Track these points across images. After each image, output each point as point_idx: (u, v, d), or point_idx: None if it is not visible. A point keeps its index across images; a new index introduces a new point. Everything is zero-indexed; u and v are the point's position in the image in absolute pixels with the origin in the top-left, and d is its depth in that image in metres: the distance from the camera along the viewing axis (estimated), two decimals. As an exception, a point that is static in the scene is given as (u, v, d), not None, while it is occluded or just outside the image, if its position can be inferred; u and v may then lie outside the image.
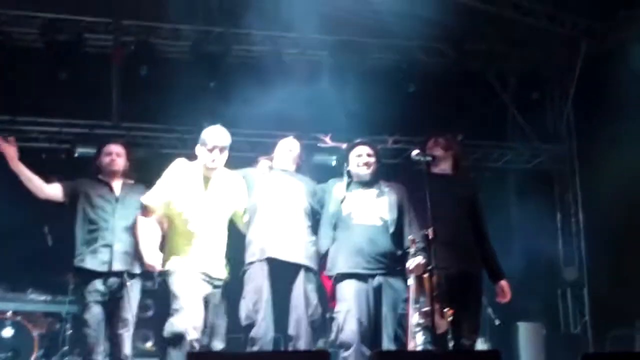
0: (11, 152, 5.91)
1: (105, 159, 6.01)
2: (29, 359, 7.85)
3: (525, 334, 9.11)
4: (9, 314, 7.98)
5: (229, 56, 9.90)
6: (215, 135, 5.61)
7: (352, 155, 5.91)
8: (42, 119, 9.64)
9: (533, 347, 9.03)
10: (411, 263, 5.40)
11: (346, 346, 5.39)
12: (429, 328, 5.15)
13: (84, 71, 9.38)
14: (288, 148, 5.98)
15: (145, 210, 5.57)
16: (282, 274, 5.52)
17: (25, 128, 9.62)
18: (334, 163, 10.03)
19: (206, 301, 5.45)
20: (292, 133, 9.35)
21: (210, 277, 5.49)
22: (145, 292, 8.35)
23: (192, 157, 5.76)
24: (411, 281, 5.39)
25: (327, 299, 5.76)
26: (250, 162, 6.18)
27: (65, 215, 6.16)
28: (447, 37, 10.46)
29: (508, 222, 10.03)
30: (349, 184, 5.83)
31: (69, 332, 7.90)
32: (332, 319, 5.71)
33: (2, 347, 7.79)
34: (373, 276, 5.55)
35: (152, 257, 5.42)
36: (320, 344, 7.14)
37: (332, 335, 5.56)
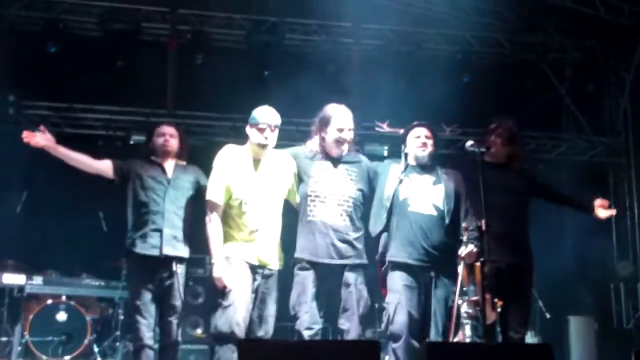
0: (46, 141, 5.83)
1: (159, 140, 5.94)
2: (81, 343, 8.01)
3: (577, 328, 8.99)
4: (63, 298, 8.15)
5: (283, 45, 9.93)
6: (267, 114, 5.58)
7: (410, 136, 5.78)
8: (99, 106, 9.80)
9: (584, 341, 8.91)
10: (463, 250, 5.35)
11: (395, 338, 5.37)
12: (478, 318, 5.12)
13: (141, 60, 9.54)
14: (336, 126, 5.72)
15: (212, 206, 5.49)
16: (331, 270, 5.48)
17: (82, 115, 9.82)
18: (385, 153, 10.02)
19: (255, 291, 5.44)
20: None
21: (262, 265, 5.48)
22: (196, 279, 8.52)
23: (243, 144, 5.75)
24: (461, 269, 5.35)
25: (380, 283, 5.72)
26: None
27: (120, 200, 6.20)
28: (503, 27, 10.36)
29: (560, 215, 9.88)
30: (405, 167, 5.71)
31: (121, 317, 8.06)
32: (382, 309, 5.68)
33: (56, 331, 7.95)
34: (425, 269, 5.49)
35: (221, 270, 5.36)
36: (369, 334, 7.14)
37: (382, 326, 5.54)
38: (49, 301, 8.08)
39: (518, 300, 5.67)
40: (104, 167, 5.87)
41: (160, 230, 5.68)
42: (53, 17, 9.51)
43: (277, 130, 5.60)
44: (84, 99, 9.76)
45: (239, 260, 5.42)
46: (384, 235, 5.63)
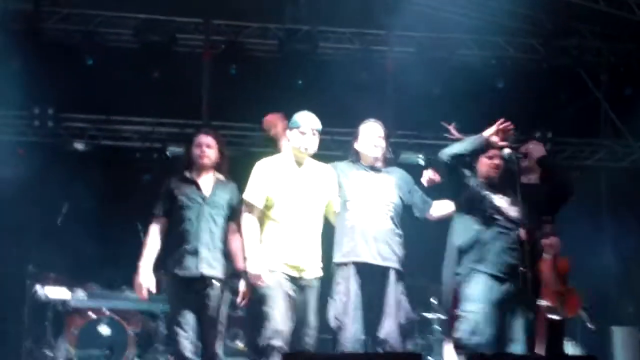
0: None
1: (195, 151, 5.79)
2: (124, 356, 8.05)
3: (621, 338, 8.84)
4: (106, 312, 8.20)
5: (317, 54, 9.96)
6: (309, 118, 5.56)
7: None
8: (136, 118, 9.89)
9: (629, 352, 8.76)
10: (549, 239, 5.34)
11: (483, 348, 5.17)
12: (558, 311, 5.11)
13: (176, 70, 9.60)
14: (368, 132, 5.70)
15: (249, 207, 5.46)
16: (372, 276, 5.46)
17: (119, 127, 9.93)
18: (421, 162, 9.99)
19: (295, 301, 5.36)
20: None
21: (301, 276, 5.43)
22: (236, 292, 8.51)
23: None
24: (547, 256, 5.31)
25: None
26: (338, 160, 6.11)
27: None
28: (537, 32, 10.29)
29: (600, 222, 9.81)
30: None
31: (163, 330, 8.08)
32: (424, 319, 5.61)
33: (98, 344, 7.99)
34: (503, 281, 5.30)
35: (257, 267, 5.32)
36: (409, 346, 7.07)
37: (460, 334, 5.27)
38: (92, 315, 8.13)
39: None
40: (164, 224, 5.79)
41: (195, 251, 5.60)
42: (89, 30, 9.63)
43: (318, 135, 5.57)
44: (120, 111, 9.88)
45: (277, 270, 5.36)
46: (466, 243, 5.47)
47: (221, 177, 5.88)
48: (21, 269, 8.41)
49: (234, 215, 5.77)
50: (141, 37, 9.64)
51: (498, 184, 5.48)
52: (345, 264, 5.44)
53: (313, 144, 5.54)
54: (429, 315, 8.51)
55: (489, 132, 5.39)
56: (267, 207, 5.48)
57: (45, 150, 9.50)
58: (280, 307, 5.28)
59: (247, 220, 5.46)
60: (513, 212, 5.37)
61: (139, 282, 5.63)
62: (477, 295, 5.19)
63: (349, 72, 9.80)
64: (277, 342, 5.19)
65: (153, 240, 5.73)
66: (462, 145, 5.43)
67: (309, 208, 5.51)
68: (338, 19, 9.97)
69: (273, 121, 5.96)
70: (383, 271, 5.46)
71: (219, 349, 5.70)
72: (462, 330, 5.17)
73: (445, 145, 5.68)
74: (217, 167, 5.90)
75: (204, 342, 5.66)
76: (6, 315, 8.69)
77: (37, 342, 8.42)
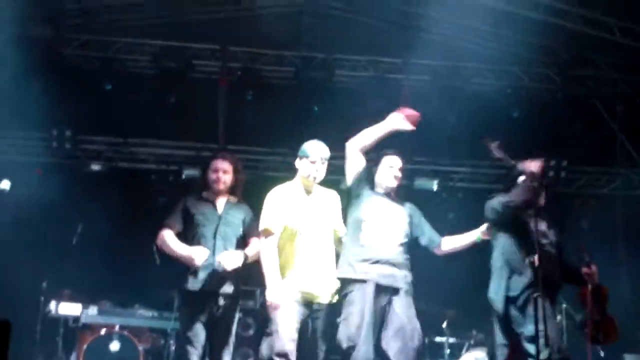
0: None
1: (212, 176, 5.93)
2: (133, 373, 8.09)
3: (633, 365, 8.79)
4: (117, 328, 8.24)
5: (332, 81, 10.04)
6: (317, 147, 5.64)
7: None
8: (152, 141, 9.98)
9: (641, 379, 8.70)
10: (590, 268, 5.39)
11: None
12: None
13: (192, 96, 9.70)
14: (389, 164, 5.85)
15: (267, 234, 5.47)
16: (384, 297, 5.47)
17: (136, 150, 10.03)
18: (435, 188, 10.01)
19: (305, 324, 5.40)
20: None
21: (316, 302, 5.46)
22: (246, 311, 8.55)
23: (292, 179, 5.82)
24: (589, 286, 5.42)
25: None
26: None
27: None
28: (552, 62, 10.33)
29: (615, 250, 9.77)
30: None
31: (173, 347, 8.11)
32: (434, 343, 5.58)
33: (109, 360, 8.07)
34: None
35: (277, 297, 5.31)
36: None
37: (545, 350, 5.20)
38: (103, 331, 8.20)
39: None
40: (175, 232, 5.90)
41: (210, 266, 5.67)
42: (108, 56, 9.76)
43: (326, 164, 5.66)
44: (137, 134, 9.99)
45: (290, 294, 5.37)
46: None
47: (234, 199, 5.98)
48: (36, 286, 8.48)
49: (248, 234, 5.89)
50: (159, 63, 9.77)
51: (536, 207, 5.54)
52: (361, 283, 5.42)
53: (321, 172, 5.63)
54: (439, 339, 8.55)
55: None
56: (281, 236, 5.51)
57: (62, 171, 9.59)
58: (289, 328, 5.29)
59: (266, 248, 5.46)
60: (552, 235, 5.55)
61: (189, 255, 5.62)
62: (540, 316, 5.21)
63: (364, 99, 9.85)
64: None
65: (174, 240, 5.79)
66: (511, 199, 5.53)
67: (321, 234, 5.57)
68: (354, 46, 10.04)
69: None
70: (394, 292, 5.48)
71: (229, 366, 5.73)
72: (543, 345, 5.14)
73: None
74: (232, 191, 6.01)
75: (214, 360, 5.69)
76: (19, 331, 8.70)
77: (48, 358, 8.47)
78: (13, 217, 8.24)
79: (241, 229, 5.90)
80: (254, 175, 9.67)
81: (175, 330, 7.85)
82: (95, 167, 10.00)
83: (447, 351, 8.51)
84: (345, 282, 5.48)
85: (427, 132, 9.26)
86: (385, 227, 5.61)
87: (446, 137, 9.62)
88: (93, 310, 8.00)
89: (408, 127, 5.75)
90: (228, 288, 5.70)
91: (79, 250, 8.72)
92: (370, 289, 5.40)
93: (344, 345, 5.31)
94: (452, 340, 8.60)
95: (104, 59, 9.77)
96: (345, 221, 5.74)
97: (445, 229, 6.06)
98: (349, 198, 5.74)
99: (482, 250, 5.93)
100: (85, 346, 7.99)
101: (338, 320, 5.43)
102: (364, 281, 5.41)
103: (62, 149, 9.74)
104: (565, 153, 10.29)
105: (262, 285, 5.50)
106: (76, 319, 7.95)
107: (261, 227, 5.51)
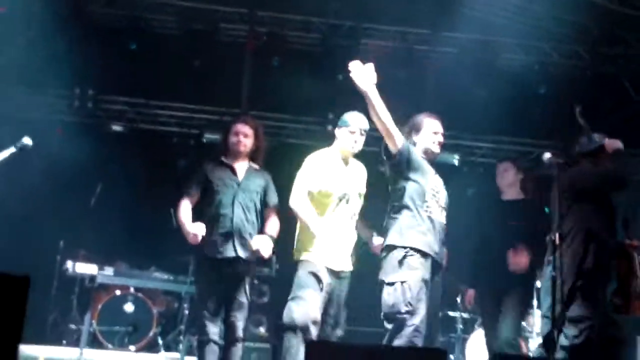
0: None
1: (232, 139, 5.91)
2: (147, 335, 8.16)
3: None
4: (132, 289, 8.29)
5: (358, 50, 9.91)
6: (358, 118, 5.64)
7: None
8: (174, 103, 9.95)
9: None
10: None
11: None
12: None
13: (217, 59, 9.62)
14: (433, 130, 5.62)
15: (302, 193, 5.49)
16: (433, 270, 5.37)
17: (158, 112, 10.00)
18: (456, 162, 9.93)
19: (331, 291, 5.43)
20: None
21: (341, 269, 5.50)
22: (261, 278, 8.57)
23: (318, 148, 5.78)
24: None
25: None
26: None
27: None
28: (582, 39, 10.15)
29: None
30: None
31: (186, 311, 8.16)
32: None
33: (123, 321, 8.15)
34: None
35: (327, 236, 5.36)
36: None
37: None
38: (118, 292, 8.26)
39: None
40: (194, 203, 5.91)
41: (228, 233, 5.71)
42: (135, 15, 9.65)
43: (365, 135, 5.66)
44: (160, 96, 9.95)
45: (318, 263, 5.41)
46: None
47: (256, 165, 5.95)
48: (53, 245, 8.54)
49: (267, 202, 5.93)
50: (185, 25, 9.67)
51: None
52: (427, 255, 5.30)
53: (360, 143, 5.65)
54: (453, 314, 8.58)
55: None
56: (315, 202, 5.54)
57: (83, 131, 9.58)
58: (317, 295, 5.33)
59: (302, 202, 5.48)
60: None
61: (188, 231, 5.65)
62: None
63: (389, 69, 9.74)
64: (312, 326, 5.24)
65: (186, 213, 5.81)
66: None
67: (352, 204, 5.62)
68: (382, 16, 9.91)
69: None
70: (439, 267, 5.46)
71: (242, 332, 5.74)
72: None
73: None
74: (253, 156, 6.01)
75: (230, 326, 5.70)
76: (36, 287, 8.79)
77: (63, 315, 8.57)
78: (33, 175, 8.26)
79: (260, 197, 5.91)
80: (275, 142, 9.65)
81: (189, 294, 7.92)
82: (117, 127, 10.01)
83: (460, 326, 8.57)
84: (411, 250, 5.29)
85: (451, 106, 9.24)
86: (439, 199, 5.51)
87: (471, 111, 9.51)
88: (109, 271, 8.04)
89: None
90: (244, 254, 5.71)
91: (97, 210, 8.76)
92: (429, 263, 5.30)
93: (402, 308, 5.13)
94: (465, 315, 8.61)
95: (131, 18, 9.65)
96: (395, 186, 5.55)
97: (462, 205, 6.00)
98: (402, 167, 5.46)
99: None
100: (99, 306, 8.09)
101: (386, 281, 5.26)
102: (426, 254, 5.30)
103: (84, 108, 9.71)
104: (593, 131, 10.14)
105: (277, 253, 5.54)
106: (92, 279, 7.99)
107: (295, 182, 5.55)
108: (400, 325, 5.09)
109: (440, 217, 5.45)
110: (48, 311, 8.48)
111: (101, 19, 9.75)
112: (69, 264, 8.01)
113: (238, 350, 5.71)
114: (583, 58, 10.19)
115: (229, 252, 5.70)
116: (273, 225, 5.89)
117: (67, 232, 8.63)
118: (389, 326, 5.15)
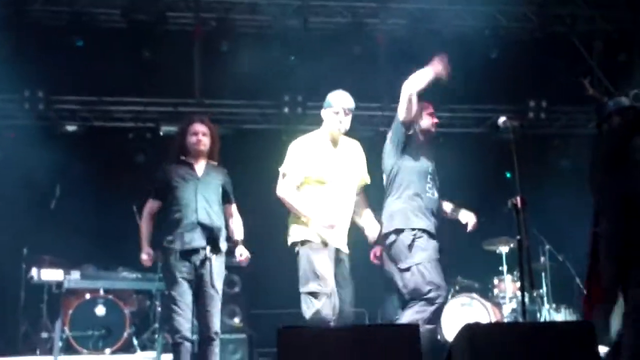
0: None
1: (192, 139, 6.00)
2: (121, 336, 8.08)
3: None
4: (101, 292, 8.20)
5: (308, 29, 9.84)
6: (343, 98, 5.66)
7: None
8: (127, 98, 9.82)
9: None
10: None
11: None
12: None
13: (166, 49, 9.50)
14: (430, 111, 5.90)
15: (287, 179, 5.56)
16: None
17: (111, 108, 9.86)
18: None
19: (336, 275, 5.46)
20: (376, 104, 9.35)
21: (341, 249, 5.56)
22: (231, 269, 8.51)
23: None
24: None
25: None
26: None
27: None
28: (530, 1, 10.19)
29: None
30: None
31: (159, 309, 8.10)
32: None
33: (95, 325, 8.04)
34: None
35: (325, 219, 5.42)
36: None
37: None
38: (87, 296, 8.15)
39: None
40: (156, 208, 6.05)
41: (193, 224, 5.76)
42: (77, 11, 9.45)
43: (351, 114, 5.68)
44: (112, 92, 9.80)
45: (323, 245, 5.45)
46: None
47: (214, 162, 6.01)
48: (16, 253, 8.40)
49: (227, 197, 6.07)
50: (130, 17, 9.49)
51: None
52: (433, 236, 5.57)
53: (346, 123, 5.66)
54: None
55: None
56: (307, 182, 5.58)
57: (37, 133, 9.42)
58: (332, 282, 5.37)
59: (290, 190, 5.55)
60: None
61: (143, 257, 5.97)
62: None
63: (340, 46, 9.71)
64: (333, 316, 5.28)
65: (147, 222, 6.02)
66: None
67: (346, 185, 5.65)
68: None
69: None
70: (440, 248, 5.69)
71: (217, 326, 5.73)
72: None
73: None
74: (209, 154, 6.10)
75: (202, 320, 5.70)
76: (3, 298, 8.69)
77: (33, 325, 8.45)
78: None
79: (220, 191, 6.00)
80: (232, 129, 9.57)
81: (160, 291, 7.85)
82: (71, 127, 9.84)
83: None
84: (408, 231, 5.51)
85: (406, 77, 9.22)
86: (435, 179, 5.75)
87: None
88: (76, 274, 7.89)
89: (445, 75, 5.69)
90: (212, 246, 5.71)
91: (58, 214, 8.64)
92: (434, 241, 5.57)
93: (425, 288, 5.39)
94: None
95: (73, 14, 9.45)
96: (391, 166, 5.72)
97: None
98: (402, 143, 5.67)
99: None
100: (70, 311, 7.97)
101: (401, 267, 5.50)
102: (432, 235, 5.55)
103: (36, 110, 9.49)
104: (545, 93, 10.24)
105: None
106: (59, 285, 7.84)
107: (281, 171, 5.60)
108: (429, 301, 5.37)
109: (437, 198, 5.69)
110: (18, 322, 8.37)
111: (43, 18, 9.56)
112: (34, 271, 7.84)
113: (215, 347, 5.73)
114: (531, 20, 10.22)
115: (196, 242, 5.74)
116: (237, 225, 6.11)
117: (30, 239, 8.49)
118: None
